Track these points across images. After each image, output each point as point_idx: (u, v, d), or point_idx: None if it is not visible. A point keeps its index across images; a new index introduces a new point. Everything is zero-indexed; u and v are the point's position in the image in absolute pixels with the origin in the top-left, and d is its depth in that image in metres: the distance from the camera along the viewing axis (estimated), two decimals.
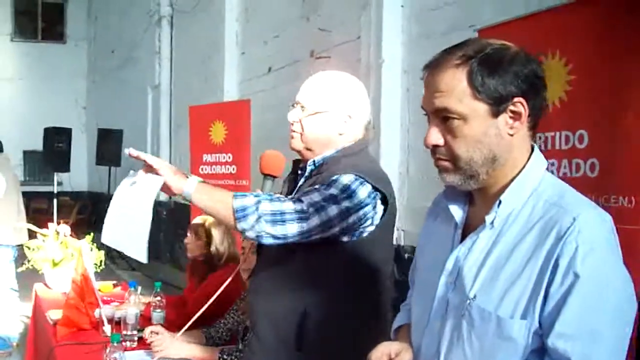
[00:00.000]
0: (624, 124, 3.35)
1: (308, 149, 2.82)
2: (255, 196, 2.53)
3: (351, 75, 2.91)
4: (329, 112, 2.76)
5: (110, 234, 2.73)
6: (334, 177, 2.61)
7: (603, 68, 3.47)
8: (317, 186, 2.63)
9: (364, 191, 2.61)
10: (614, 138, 3.39)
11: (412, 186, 6.07)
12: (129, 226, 2.66)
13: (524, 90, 1.71)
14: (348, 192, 2.57)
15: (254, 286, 2.95)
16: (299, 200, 2.55)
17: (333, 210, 2.53)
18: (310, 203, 2.53)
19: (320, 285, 2.70)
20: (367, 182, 2.62)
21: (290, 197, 2.65)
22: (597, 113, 3.49)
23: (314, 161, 2.81)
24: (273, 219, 2.48)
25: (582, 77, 3.57)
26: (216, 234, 4.39)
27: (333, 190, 2.57)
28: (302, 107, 2.78)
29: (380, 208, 2.69)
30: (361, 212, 2.61)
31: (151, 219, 2.56)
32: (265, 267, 2.85)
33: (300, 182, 2.84)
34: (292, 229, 2.50)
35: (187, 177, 2.57)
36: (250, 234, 2.51)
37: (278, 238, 2.52)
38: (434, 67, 1.79)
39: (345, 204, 2.56)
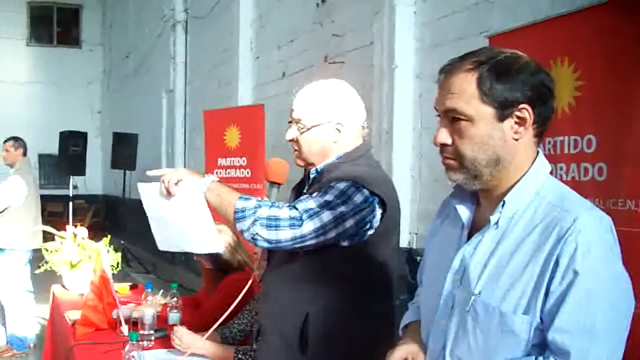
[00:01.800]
0: (631, 129, 3.40)
1: (310, 163, 2.89)
2: (258, 201, 2.63)
3: (339, 82, 2.95)
4: (321, 125, 2.81)
5: (167, 242, 2.91)
6: (331, 184, 2.67)
7: (611, 74, 3.52)
8: (314, 193, 2.69)
9: (359, 196, 2.65)
10: (621, 143, 3.45)
11: (424, 190, 6.12)
12: (188, 229, 2.84)
13: (530, 98, 1.79)
14: (343, 197, 2.62)
15: (262, 289, 3.05)
16: (294, 207, 2.61)
17: (327, 216, 2.59)
18: (304, 210, 2.60)
19: (322, 289, 2.75)
20: (364, 187, 2.66)
21: (288, 204, 2.71)
22: (606, 118, 3.54)
23: (316, 169, 2.87)
24: (268, 223, 2.56)
25: (590, 83, 3.63)
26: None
27: (328, 197, 2.63)
28: (298, 123, 2.85)
29: (379, 212, 2.71)
30: (358, 217, 2.65)
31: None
32: (273, 271, 2.91)
33: (305, 190, 2.90)
34: (284, 235, 2.58)
35: (203, 177, 2.72)
36: (247, 235, 2.61)
37: (271, 242, 2.60)
38: (448, 71, 1.87)
39: (341, 209, 2.61)
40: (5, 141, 8.04)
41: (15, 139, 8.09)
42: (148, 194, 2.89)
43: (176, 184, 2.74)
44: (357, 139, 2.90)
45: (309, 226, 2.58)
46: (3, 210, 7.71)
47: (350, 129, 2.86)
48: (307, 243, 2.62)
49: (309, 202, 2.63)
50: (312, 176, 2.89)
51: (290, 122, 2.90)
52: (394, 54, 6.27)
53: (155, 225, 2.96)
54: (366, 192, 2.66)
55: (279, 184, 2.96)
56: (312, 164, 2.89)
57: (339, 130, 2.83)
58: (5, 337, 8.02)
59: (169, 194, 2.76)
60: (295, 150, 2.90)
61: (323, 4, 8.22)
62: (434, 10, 6.06)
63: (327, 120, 2.82)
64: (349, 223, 2.63)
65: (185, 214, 2.80)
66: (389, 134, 6.25)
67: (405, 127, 6.21)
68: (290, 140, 2.89)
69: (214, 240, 2.88)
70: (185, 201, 2.77)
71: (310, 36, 8.50)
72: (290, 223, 2.57)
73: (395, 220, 2.88)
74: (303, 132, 2.84)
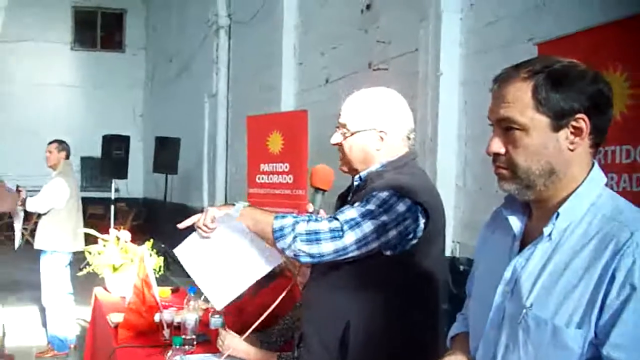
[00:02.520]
0: None
1: (353, 169, 2.90)
2: (294, 217, 2.63)
3: (388, 90, 2.94)
4: (364, 131, 2.82)
5: (224, 294, 2.96)
6: (373, 193, 2.66)
7: None
8: (355, 203, 2.68)
9: (402, 205, 2.63)
10: None
11: (468, 199, 6.05)
12: (242, 259, 2.89)
13: (587, 108, 1.75)
14: (385, 206, 2.61)
15: (305, 297, 3.06)
16: (335, 219, 2.61)
17: (369, 226, 2.58)
18: (345, 220, 2.59)
19: (364, 297, 2.74)
20: (407, 196, 2.64)
21: (327, 216, 2.71)
22: None
23: (360, 176, 2.87)
24: (308, 238, 2.57)
25: None
26: None
27: (370, 206, 2.62)
28: (343, 128, 2.86)
29: (422, 221, 2.69)
30: (401, 227, 2.63)
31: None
32: (316, 279, 2.93)
33: (349, 198, 2.90)
34: (327, 248, 2.58)
35: (234, 205, 2.73)
36: (289, 252, 2.61)
37: (314, 257, 2.60)
38: (503, 80, 1.85)
39: (383, 218, 2.60)
40: (50, 143, 8.13)
41: (59, 141, 8.19)
42: (187, 253, 2.92)
43: (212, 221, 2.77)
44: (401, 148, 2.88)
45: (350, 237, 2.58)
46: (46, 213, 7.81)
47: (394, 138, 2.85)
48: (350, 255, 2.62)
49: (350, 212, 2.62)
50: (355, 184, 2.90)
51: (337, 127, 2.90)
52: (439, 60, 6.22)
53: (207, 284, 2.97)
54: (409, 201, 2.65)
55: (324, 191, 2.95)
56: (356, 170, 2.89)
57: (382, 138, 2.83)
58: (46, 337, 8.11)
59: (208, 229, 2.79)
60: (340, 155, 2.91)
61: (368, 10, 8.18)
62: (481, 16, 5.99)
63: (370, 127, 2.82)
64: (392, 233, 2.62)
65: (233, 245, 2.83)
66: (433, 142, 6.20)
67: (449, 135, 6.14)
68: (334, 145, 2.91)
69: (271, 256, 2.88)
70: (228, 233, 2.80)
71: (354, 42, 8.46)
72: (332, 235, 2.57)
73: (440, 229, 2.85)
74: (347, 137, 2.85)
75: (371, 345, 2.71)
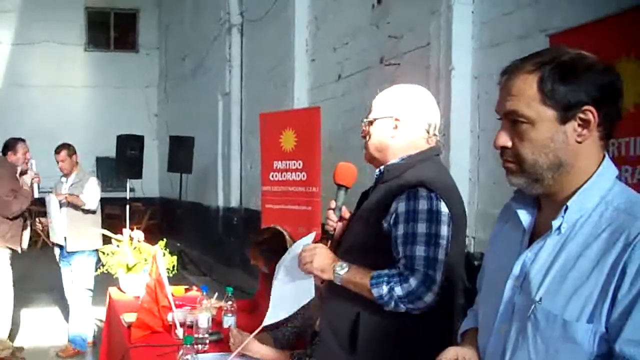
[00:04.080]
0: None
1: (373, 158, 2.98)
2: (387, 283, 2.67)
3: (415, 86, 3.00)
4: (381, 119, 2.91)
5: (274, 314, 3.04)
6: (410, 208, 2.71)
7: None
8: (401, 229, 2.72)
9: (443, 206, 2.72)
10: None
11: (482, 193, 6.02)
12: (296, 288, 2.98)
13: (595, 99, 1.73)
14: (431, 216, 2.70)
15: (322, 291, 3.08)
16: (414, 270, 2.67)
17: (438, 251, 2.69)
18: (424, 265, 2.67)
19: None
20: (439, 196, 2.73)
21: (403, 270, 2.71)
22: None
23: (379, 169, 2.93)
24: (409, 299, 2.65)
25: None
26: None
27: (421, 229, 2.69)
28: (367, 120, 2.96)
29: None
30: (447, 223, 2.74)
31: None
32: None
33: (371, 192, 2.97)
34: (428, 298, 2.66)
35: (334, 272, 2.78)
36: (399, 311, 2.70)
37: (423, 309, 2.69)
38: (509, 72, 1.83)
39: (437, 231, 2.70)
40: (57, 152, 8.00)
41: (66, 146, 8.00)
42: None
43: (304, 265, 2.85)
44: (420, 141, 2.91)
45: (438, 275, 2.68)
46: (95, 211, 7.88)
47: (410, 127, 2.89)
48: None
49: (416, 249, 2.68)
50: (376, 177, 2.95)
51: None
52: (451, 54, 6.18)
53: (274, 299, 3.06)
54: (433, 195, 2.72)
55: (347, 188, 3.00)
56: (375, 160, 2.97)
57: (397, 126, 2.88)
58: (67, 336, 8.14)
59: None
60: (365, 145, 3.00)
61: (379, 5, 8.15)
62: (493, 8, 5.95)
63: (387, 115, 2.90)
64: (446, 233, 2.73)
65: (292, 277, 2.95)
66: (446, 137, 6.16)
67: (462, 130, 6.11)
68: (363, 135, 3.00)
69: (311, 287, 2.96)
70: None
71: (366, 38, 8.44)
72: (425, 287, 2.65)
73: (460, 226, 2.89)
74: (368, 127, 2.95)
75: (381, 337, 2.76)
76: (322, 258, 2.79)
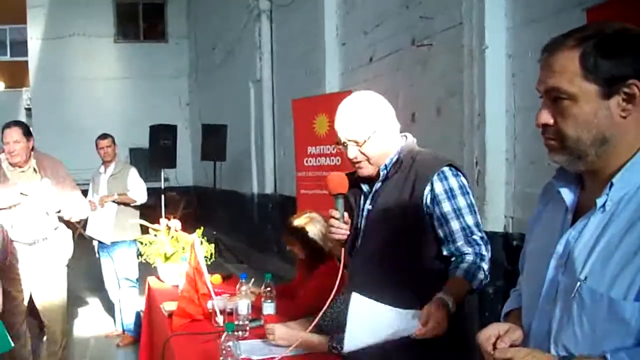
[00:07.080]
0: None
1: (376, 169, 3.14)
2: (478, 268, 2.95)
3: (364, 92, 3.23)
4: (378, 131, 3.05)
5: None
6: (446, 187, 3.00)
7: None
8: (447, 206, 2.99)
9: (464, 179, 3.09)
10: None
11: (519, 173, 5.94)
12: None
13: (639, 73, 1.69)
14: (464, 190, 3.04)
15: (351, 276, 3.25)
16: (473, 240, 3.00)
17: (478, 215, 3.07)
18: (477, 229, 3.02)
19: (406, 274, 3.00)
20: (460, 172, 3.08)
21: (467, 246, 2.99)
22: None
23: (385, 165, 3.13)
24: (489, 265, 3.01)
25: None
26: (312, 231, 4.45)
27: (462, 202, 3.01)
28: (355, 142, 3.06)
29: None
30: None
31: None
32: (360, 262, 3.17)
33: (377, 187, 3.15)
34: (489, 254, 3.04)
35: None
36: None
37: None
38: (551, 49, 1.80)
39: (473, 199, 3.08)
40: (101, 139, 8.13)
41: (109, 135, 8.21)
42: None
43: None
44: (396, 132, 3.18)
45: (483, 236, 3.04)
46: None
47: (387, 129, 3.11)
48: None
49: (468, 221, 3.00)
50: (382, 173, 3.13)
51: (343, 144, 3.11)
52: (484, 33, 6.09)
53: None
54: (458, 172, 3.09)
55: (344, 194, 3.14)
56: (377, 166, 3.15)
57: (387, 133, 3.11)
58: (121, 324, 8.26)
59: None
60: (360, 163, 3.12)
61: None
62: None
63: (374, 130, 3.05)
64: (474, 200, 3.10)
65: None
66: (481, 116, 6.10)
67: (498, 109, 6.03)
68: (356, 161, 3.12)
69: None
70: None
71: (397, 19, 8.35)
72: (487, 247, 3.03)
73: None
74: (362, 147, 3.06)
75: None
76: None
